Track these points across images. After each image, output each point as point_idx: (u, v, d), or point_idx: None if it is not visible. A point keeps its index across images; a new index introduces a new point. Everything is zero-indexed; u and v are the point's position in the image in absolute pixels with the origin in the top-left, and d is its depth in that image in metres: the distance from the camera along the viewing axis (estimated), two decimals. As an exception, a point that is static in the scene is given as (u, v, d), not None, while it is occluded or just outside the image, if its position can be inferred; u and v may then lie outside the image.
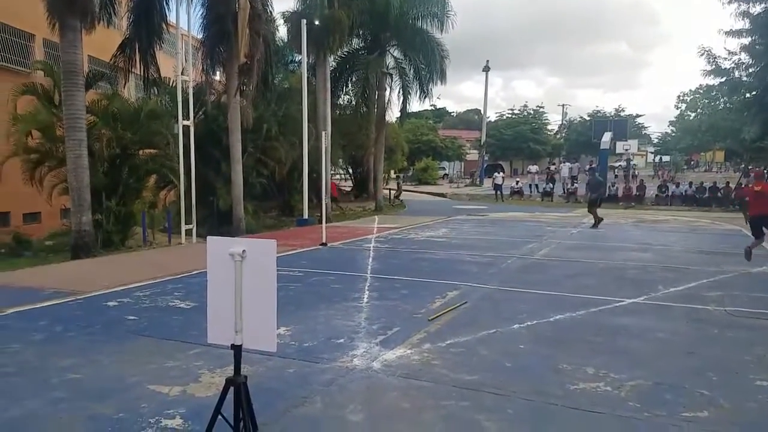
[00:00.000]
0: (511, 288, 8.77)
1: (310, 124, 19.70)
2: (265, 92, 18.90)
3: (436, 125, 65.66)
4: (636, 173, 41.56)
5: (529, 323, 6.59)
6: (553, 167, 46.61)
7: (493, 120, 66.81)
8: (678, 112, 67.36)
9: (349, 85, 28.64)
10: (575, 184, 33.61)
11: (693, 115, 62.60)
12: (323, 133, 16.77)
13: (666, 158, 65.45)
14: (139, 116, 15.99)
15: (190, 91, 15.57)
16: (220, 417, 3.06)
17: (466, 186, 45.81)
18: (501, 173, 35.91)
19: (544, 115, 68.02)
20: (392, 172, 42.36)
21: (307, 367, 5.12)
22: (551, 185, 33.51)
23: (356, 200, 31.01)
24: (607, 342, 5.97)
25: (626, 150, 35.23)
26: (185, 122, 14.91)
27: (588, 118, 61.42)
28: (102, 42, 16.50)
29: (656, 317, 6.97)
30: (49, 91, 14.97)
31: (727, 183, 30.26)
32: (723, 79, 26.68)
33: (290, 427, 3.94)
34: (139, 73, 16.47)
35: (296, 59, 27.29)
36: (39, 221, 19.37)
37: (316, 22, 20.75)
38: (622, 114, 61.27)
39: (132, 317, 6.90)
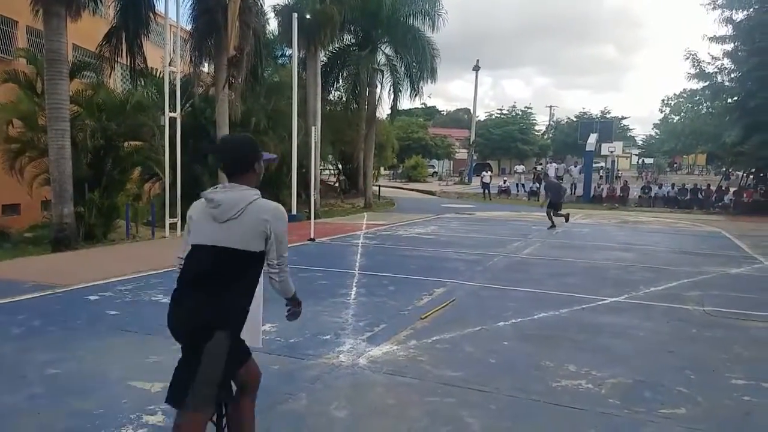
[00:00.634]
0: (496, 286, 8.82)
1: (299, 119, 19.62)
2: (254, 86, 18.77)
3: (426, 123, 65.77)
4: (620, 174, 42.00)
5: (513, 321, 6.65)
6: (539, 167, 46.93)
7: (482, 119, 67.19)
8: (662, 115, 68.18)
9: (340, 80, 28.57)
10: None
11: (676, 118, 63.36)
12: (313, 128, 16.73)
13: (650, 160, 66.26)
14: (124, 107, 15.82)
15: (178, 83, 15.42)
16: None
17: (455, 184, 45.98)
18: (489, 172, 36.12)
19: (532, 115, 68.64)
20: (382, 168, 42.35)
21: (293, 363, 5.12)
22: (538, 185, 33.73)
23: (345, 196, 30.96)
24: (589, 340, 6.04)
25: (611, 152, 35.56)
26: (172, 114, 14.77)
27: (574, 120, 61.94)
28: (87, 30, 16.26)
29: (637, 316, 7.05)
30: (31, 80, 14.74)
31: (708, 185, 30.70)
32: (706, 84, 27.07)
33: (274, 423, 3.93)
34: (125, 63, 16.27)
35: (287, 53, 27.19)
36: (18, 213, 18.99)
37: (308, 17, 20.67)
38: (608, 116, 61.85)
39: (114, 312, 6.83)
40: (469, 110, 69.58)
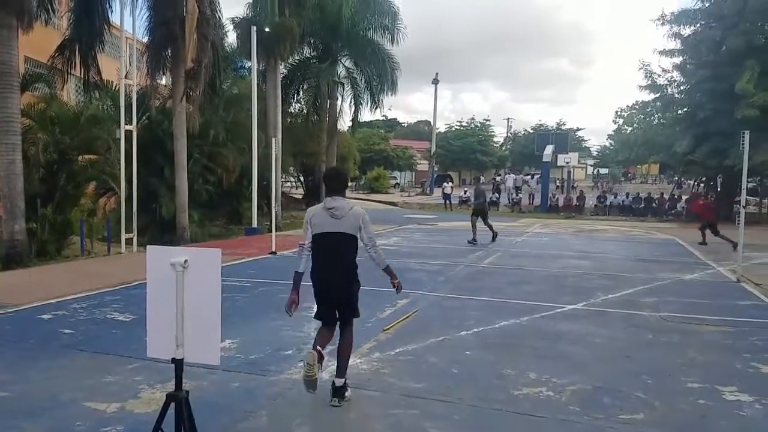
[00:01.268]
0: (458, 295, 8.88)
1: (260, 131, 19.47)
2: (212, 98, 18.59)
3: (388, 135, 66.11)
4: (575, 185, 43.02)
5: (476, 330, 6.70)
6: (498, 178, 47.70)
7: (442, 131, 67.87)
8: (616, 126, 70.17)
9: (301, 93, 28.61)
10: (519, 195, 34.57)
11: (630, 129, 65.27)
12: (273, 140, 16.59)
13: (604, 170, 68.02)
14: (78, 120, 15.43)
15: (134, 96, 15.13)
16: (160, 433, 2.97)
17: (416, 195, 46.24)
18: (450, 183, 36.50)
19: (491, 127, 69.74)
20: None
21: (253, 380, 5.04)
22: (497, 195, 34.27)
23: (308, 208, 30.76)
24: (549, 347, 6.13)
25: (567, 162, 36.38)
26: (128, 127, 14.46)
27: (531, 132, 63.22)
28: (39, 41, 15.81)
29: (595, 323, 7.20)
30: (-20, 93, 14.21)
31: (662, 194, 31.70)
32: (657, 95, 28.02)
33: (234, 440, 3.86)
34: (79, 75, 15.90)
35: (246, 65, 27.00)
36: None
37: (267, 29, 20.59)
38: (563, 128, 63.23)
39: (68, 331, 6.61)
40: (429, 122, 70.19)
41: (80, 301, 8.16)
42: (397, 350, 5.89)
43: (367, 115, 50.11)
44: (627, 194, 31.76)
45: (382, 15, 26.67)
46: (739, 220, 10.72)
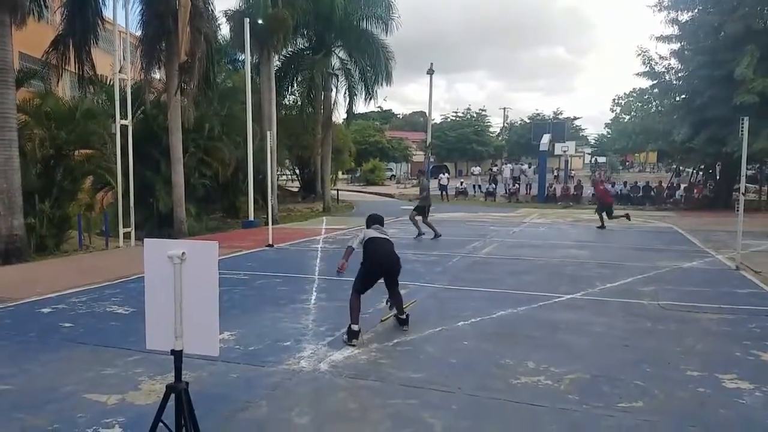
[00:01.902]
0: (456, 286, 8.90)
1: (254, 124, 19.40)
2: (207, 91, 18.46)
3: (383, 127, 66.00)
4: (573, 174, 43.04)
5: (473, 320, 6.72)
6: (495, 168, 47.69)
7: (438, 122, 67.90)
8: (613, 114, 70.19)
9: (295, 85, 28.45)
10: (516, 185, 34.58)
11: (627, 117, 65.33)
12: (268, 133, 16.54)
13: (602, 159, 68.04)
14: (74, 115, 15.37)
15: (128, 90, 15.07)
16: (161, 424, 2.98)
17: (412, 186, 46.19)
18: (446, 174, 36.48)
19: (487, 117, 69.72)
20: (340, 173, 42.24)
21: (252, 371, 5.05)
22: (494, 186, 34.28)
23: (304, 201, 30.76)
24: (547, 337, 6.15)
25: (564, 151, 36.33)
26: (123, 122, 14.42)
27: (528, 121, 63.12)
28: (33, 37, 15.71)
29: (593, 312, 7.22)
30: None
31: (660, 182, 31.71)
32: (655, 82, 27.91)
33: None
34: (73, 70, 15.81)
35: (239, 58, 26.88)
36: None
37: (260, 21, 20.46)
38: (560, 117, 63.24)
39: (67, 324, 6.62)
40: (424, 113, 70.00)
41: (79, 294, 8.17)
42: (396, 341, 5.91)
43: (362, 106, 50.20)
44: (625, 183, 31.75)
45: (375, 4, 26.46)
46: (738, 208, 10.73)
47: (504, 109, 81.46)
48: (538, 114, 65.98)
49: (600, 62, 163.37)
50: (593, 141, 75.11)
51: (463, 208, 27.57)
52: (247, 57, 19.61)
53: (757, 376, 4.94)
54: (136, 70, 16.68)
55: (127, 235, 14.49)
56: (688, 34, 24.93)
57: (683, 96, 26.92)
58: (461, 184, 35.93)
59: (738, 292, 8.45)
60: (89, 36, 15.22)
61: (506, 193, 33.31)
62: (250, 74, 19.47)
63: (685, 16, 25.10)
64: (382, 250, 6.19)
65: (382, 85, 27.63)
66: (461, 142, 62.22)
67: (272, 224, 14.54)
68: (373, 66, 27.00)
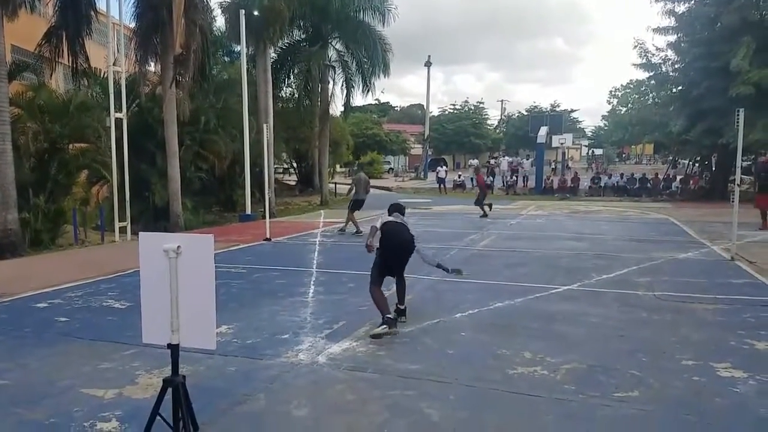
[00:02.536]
0: (453, 278, 8.86)
1: (251, 117, 19.33)
2: (202, 83, 18.39)
3: (381, 119, 65.87)
4: (570, 165, 43.09)
5: (470, 311, 6.73)
6: (493, 161, 47.68)
7: (435, 114, 67.75)
8: (610, 106, 70.23)
9: (292, 77, 28.30)
10: (514, 177, 34.62)
11: (624, 109, 65.36)
12: (265, 125, 16.47)
13: (599, 151, 68.19)
14: (68, 109, 15.32)
15: (123, 83, 14.99)
16: (158, 418, 2.98)
17: (410, 180, 46.20)
18: (444, 167, 36.55)
19: (484, 110, 69.52)
20: (337, 165, 42.16)
21: (250, 364, 5.05)
22: (491, 178, 34.28)
23: (301, 194, 30.72)
24: (543, 327, 6.16)
25: (562, 143, 36.42)
26: (118, 115, 14.36)
27: (525, 113, 63.11)
28: (25, 30, 15.60)
29: (589, 303, 7.24)
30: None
31: (656, 174, 31.77)
32: (652, 74, 27.91)
33: (232, 425, 3.88)
34: (67, 63, 15.71)
35: (235, 50, 26.73)
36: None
37: (255, 13, 20.35)
38: (557, 109, 63.16)
39: (63, 319, 6.61)
40: (422, 106, 70.12)
41: (75, 289, 8.15)
42: (393, 333, 5.91)
43: (359, 99, 49.85)
44: (622, 175, 31.82)
45: (371, -5, 26.38)
46: (733, 199, 10.75)
47: (502, 101, 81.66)
48: (536, 106, 65.98)
49: (598, 54, 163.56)
50: (590, 133, 75.20)
51: (461, 200, 27.58)
52: (242, 49, 19.54)
53: (751, 364, 4.96)
54: (131, 62, 16.57)
55: (122, 229, 14.47)
56: (684, 25, 24.89)
57: (680, 87, 26.93)
58: (459, 177, 35.94)
59: (733, 283, 8.48)
60: (82, 28, 15.12)
61: (504, 185, 33.34)
62: (246, 66, 19.39)
63: (681, 8, 25.07)
64: (398, 231, 6.34)
65: (379, 77, 27.58)
66: (459, 135, 62.14)
67: (269, 218, 14.53)
68: (370, 58, 26.90)
